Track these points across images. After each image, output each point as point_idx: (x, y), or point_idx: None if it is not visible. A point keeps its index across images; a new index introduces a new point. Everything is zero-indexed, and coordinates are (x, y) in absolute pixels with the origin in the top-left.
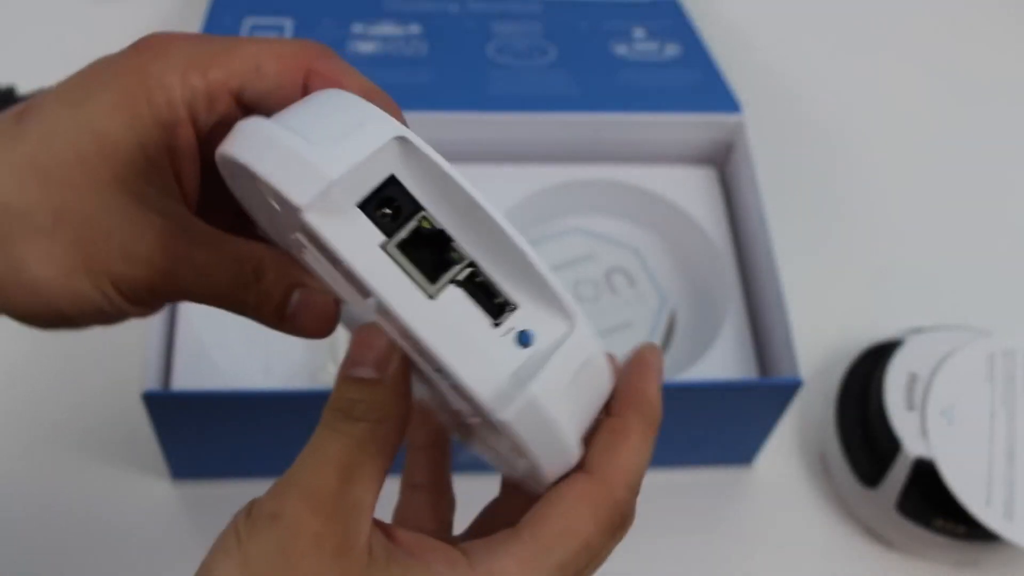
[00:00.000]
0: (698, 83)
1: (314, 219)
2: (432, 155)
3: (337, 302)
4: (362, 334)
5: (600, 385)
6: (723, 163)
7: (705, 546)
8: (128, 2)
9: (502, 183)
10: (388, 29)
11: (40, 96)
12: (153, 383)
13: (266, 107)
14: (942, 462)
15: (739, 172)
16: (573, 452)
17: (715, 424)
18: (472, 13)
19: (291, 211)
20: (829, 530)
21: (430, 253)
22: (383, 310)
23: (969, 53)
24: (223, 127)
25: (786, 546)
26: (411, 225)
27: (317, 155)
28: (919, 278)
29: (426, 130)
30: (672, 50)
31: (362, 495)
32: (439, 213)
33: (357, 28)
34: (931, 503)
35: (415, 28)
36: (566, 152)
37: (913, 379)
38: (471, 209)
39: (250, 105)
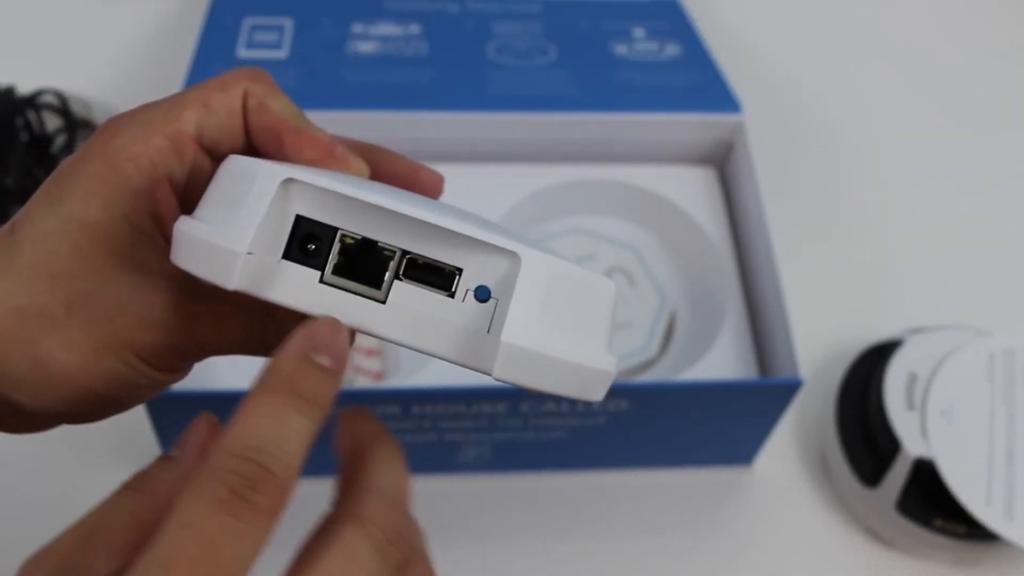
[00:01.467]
0: (698, 83)
1: (253, 291)
2: (318, 181)
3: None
4: (328, 327)
5: (589, 290)
6: (723, 163)
7: (705, 546)
8: (128, 2)
9: (502, 183)
10: (388, 29)
11: (26, 207)
12: None
13: (226, 139)
14: (942, 462)
15: (739, 172)
16: (598, 362)
17: (715, 424)
18: (472, 13)
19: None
20: (829, 530)
21: (365, 263)
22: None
23: (969, 53)
24: (198, 173)
25: (786, 546)
26: (335, 248)
27: (224, 236)
28: (919, 278)
29: (426, 130)
30: (672, 50)
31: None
32: (352, 225)
33: (357, 28)
34: (931, 503)
35: (415, 28)
36: (566, 152)
37: (913, 379)
38: (373, 209)
39: (211, 144)
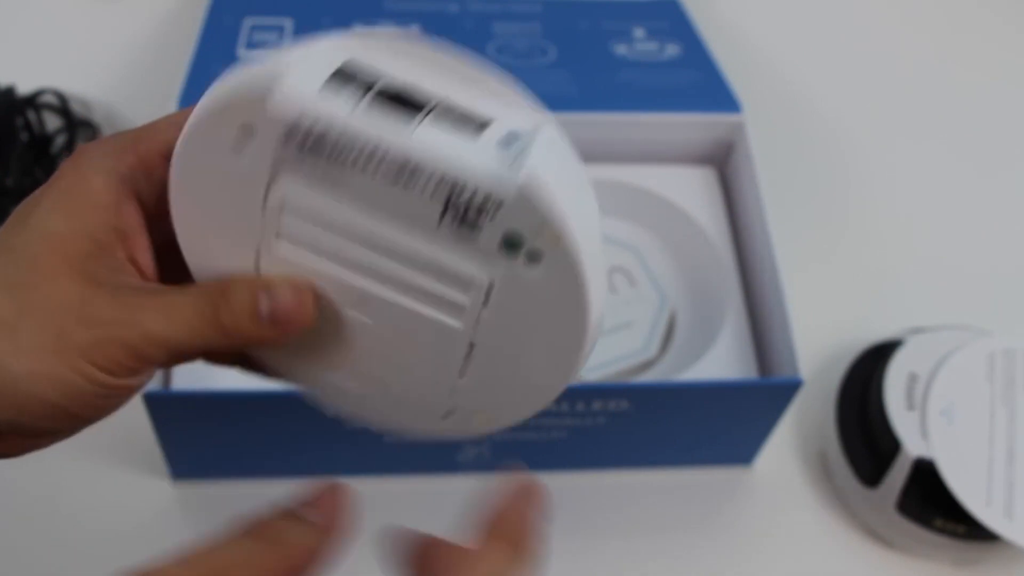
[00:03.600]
0: (698, 83)
1: (295, 97)
2: (378, 40)
3: (311, 288)
4: (327, 489)
5: (576, 162)
6: (723, 163)
7: (705, 546)
8: (128, 2)
9: None
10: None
11: (6, 222)
12: (153, 383)
13: None
14: (942, 462)
15: (739, 172)
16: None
17: (715, 424)
18: (472, 13)
19: (268, 128)
20: (829, 530)
21: (403, 104)
22: (372, 157)
23: (969, 54)
24: (166, 192)
25: (786, 546)
26: (379, 84)
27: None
28: (919, 278)
29: None
30: (672, 50)
31: None
32: (397, 73)
33: (357, 28)
34: (931, 503)
35: (415, 28)
36: None
37: (913, 379)
38: (421, 60)
39: None
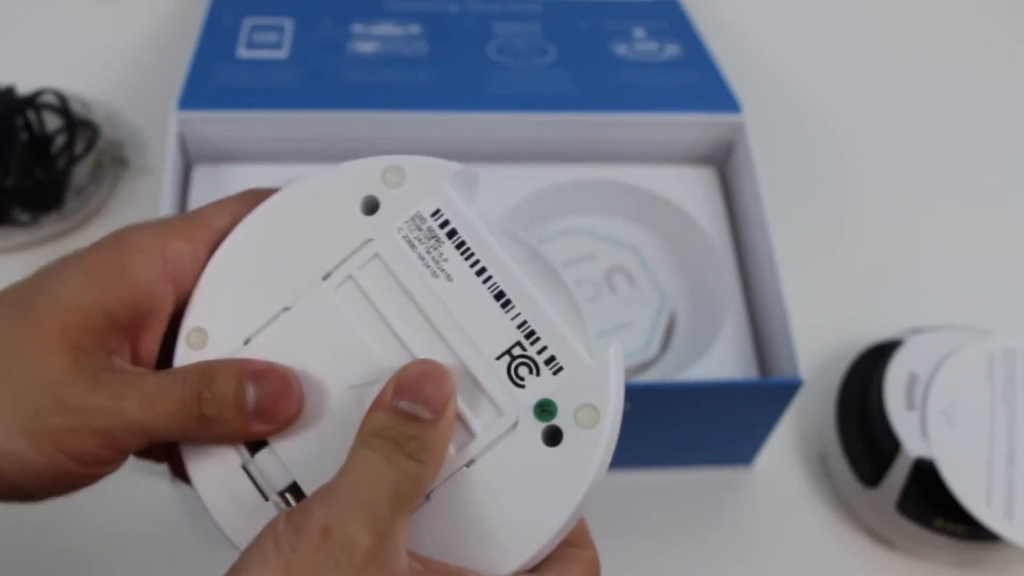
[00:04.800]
0: (698, 83)
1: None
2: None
3: (294, 375)
4: (425, 367)
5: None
6: (723, 163)
7: (705, 546)
8: (128, 2)
9: (502, 183)
10: (388, 29)
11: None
12: None
13: None
14: (942, 462)
15: (739, 172)
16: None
17: (715, 424)
18: (472, 13)
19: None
20: (829, 530)
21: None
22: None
23: (969, 54)
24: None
25: (786, 546)
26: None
27: None
28: (919, 278)
29: (426, 130)
30: (672, 50)
31: (404, 529)
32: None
33: (357, 28)
34: (931, 503)
35: (415, 28)
36: (566, 152)
37: (913, 379)
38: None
39: None
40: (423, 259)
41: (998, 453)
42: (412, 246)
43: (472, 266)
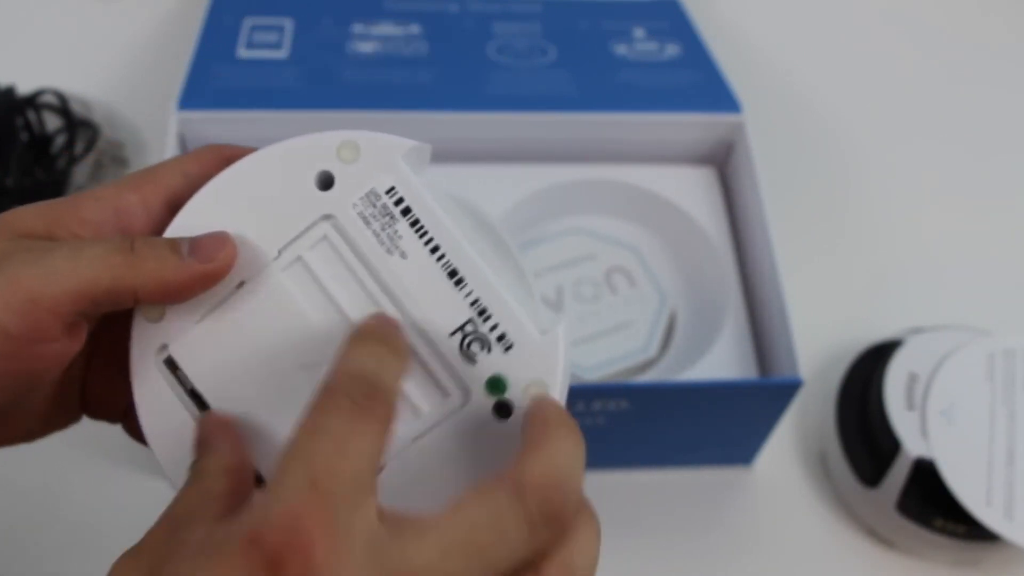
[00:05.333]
0: (698, 83)
1: (408, 165)
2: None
3: (226, 232)
4: (378, 319)
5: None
6: (723, 163)
7: (705, 546)
8: (128, 2)
9: (502, 183)
10: (388, 29)
11: None
12: None
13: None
14: (942, 462)
15: (739, 172)
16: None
17: (715, 424)
18: (472, 13)
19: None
20: (829, 530)
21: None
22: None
23: (970, 54)
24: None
25: (786, 546)
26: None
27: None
28: (919, 278)
29: (426, 130)
30: (672, 50)
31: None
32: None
33: (357, 28)
34: (931, 503)
35: (415, 28)
36: (566, 152)
37: (913, 379)
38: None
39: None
40: (378, 236)
41: (998, 453)
42: (367, 223)
43: (426, 244)
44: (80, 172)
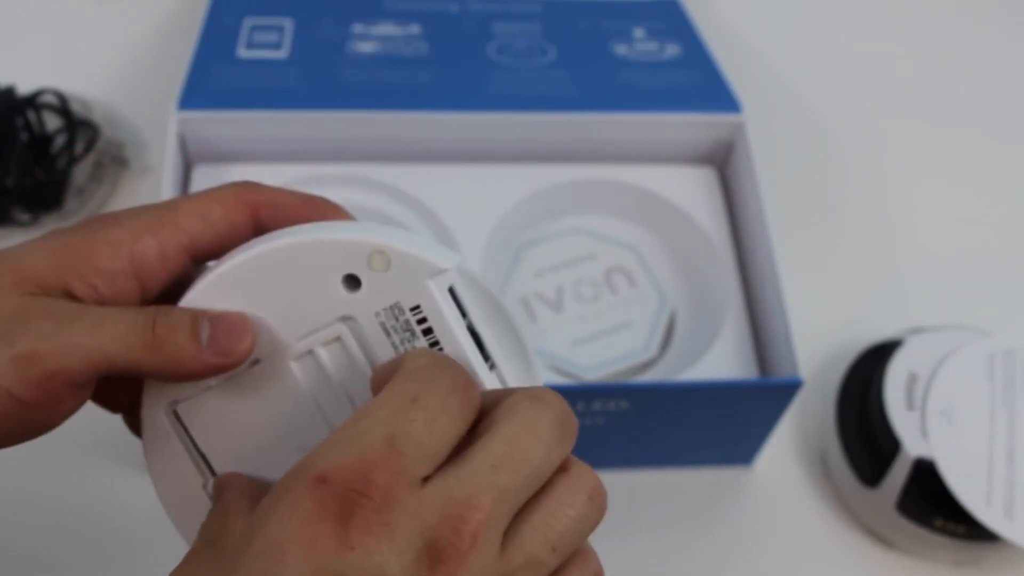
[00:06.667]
0: (698, 83)
1: (436, 288)
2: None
3: (248, 320)
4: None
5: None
6: (723, 163)
7: (705, 546)
8: (128, 2)
9: (502, 183)
10: (388, 29)
11: None
12: None
13: (218, 254)
14: (942, 462)
15: (739, 172)
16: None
17: (715, 424)
18: (472, 13)
19: (404, 278)
20: (829, 530)
21: None
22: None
23: (970, 55)
24: (178, 286)
25: (786, 546)
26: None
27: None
28: (919, 278)
29: (426, 130)
30: (672, 50)
31: None
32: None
33: (357, 28)
34: (931, 503)
35: (415, 28)
36: (566, 152)
37: (913, 379)
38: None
39: (202, 256)
40: (395, 348)
41: (998, 453)
42: (387, 334)
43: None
44: (80, 172)
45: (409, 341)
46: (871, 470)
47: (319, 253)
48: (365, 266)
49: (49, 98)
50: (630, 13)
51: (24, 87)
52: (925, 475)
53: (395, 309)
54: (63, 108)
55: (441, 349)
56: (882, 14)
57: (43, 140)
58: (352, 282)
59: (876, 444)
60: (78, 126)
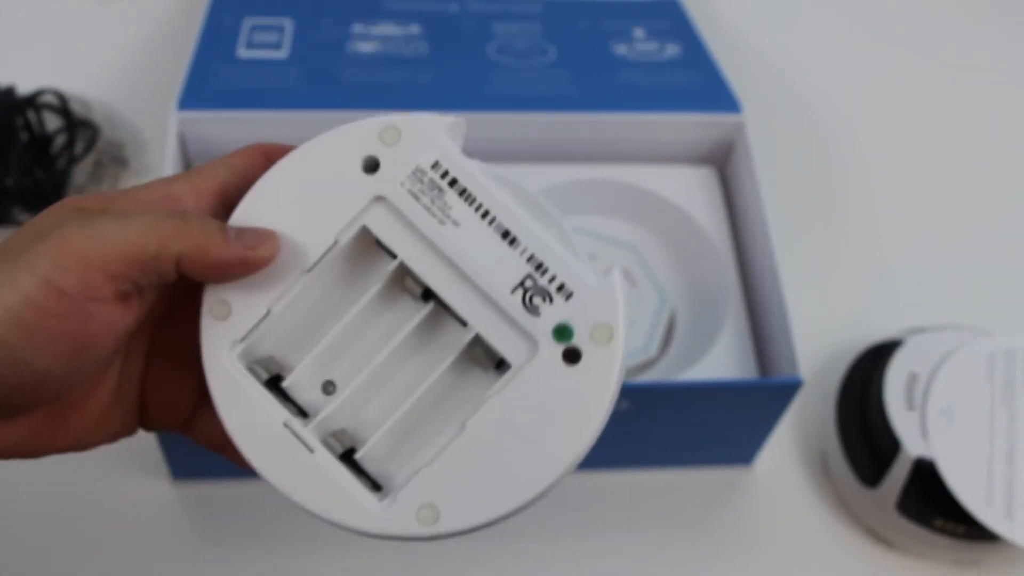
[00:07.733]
0: (698, 83)
1: (449, 138)
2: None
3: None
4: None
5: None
6: (723, 163)
7: (705, 546)
8: (128, 2)
9: None
10: (388, 29)
11: None
12: None
13: (241, 193)
14: (942, 462)
15: (739, 172)
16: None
17: (715, 424)
18: (472, 13)
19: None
20: (829, 530)
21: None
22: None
23: (970, 55)
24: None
25: (786, 546)
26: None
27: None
28: (919, 278)
29: None
30: (672, 50)
31: None
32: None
33: (357, 28)
34: (931, 503)
35: (415, 28)
36: (566, 152)
37: (913, 379)
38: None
39: (231, 200)
40: (429, 209)
41: (998, 453)
42: (416, 198)
43: (476, 210)
44: (80, 172)
45: (439, 199)
46: (871, 470)
47: (330, 147)
48: (378, 143)
49: (49, 98)
50: (630, 13)
51: (24, 87)
52: (925, 475)
53: (417, 172)
54: (63, 108)
55: (471, 196)
56: (882, 14)
57: (43, 140)
58: (371, 164)
59: (876, 444)
60: (78, 126)
